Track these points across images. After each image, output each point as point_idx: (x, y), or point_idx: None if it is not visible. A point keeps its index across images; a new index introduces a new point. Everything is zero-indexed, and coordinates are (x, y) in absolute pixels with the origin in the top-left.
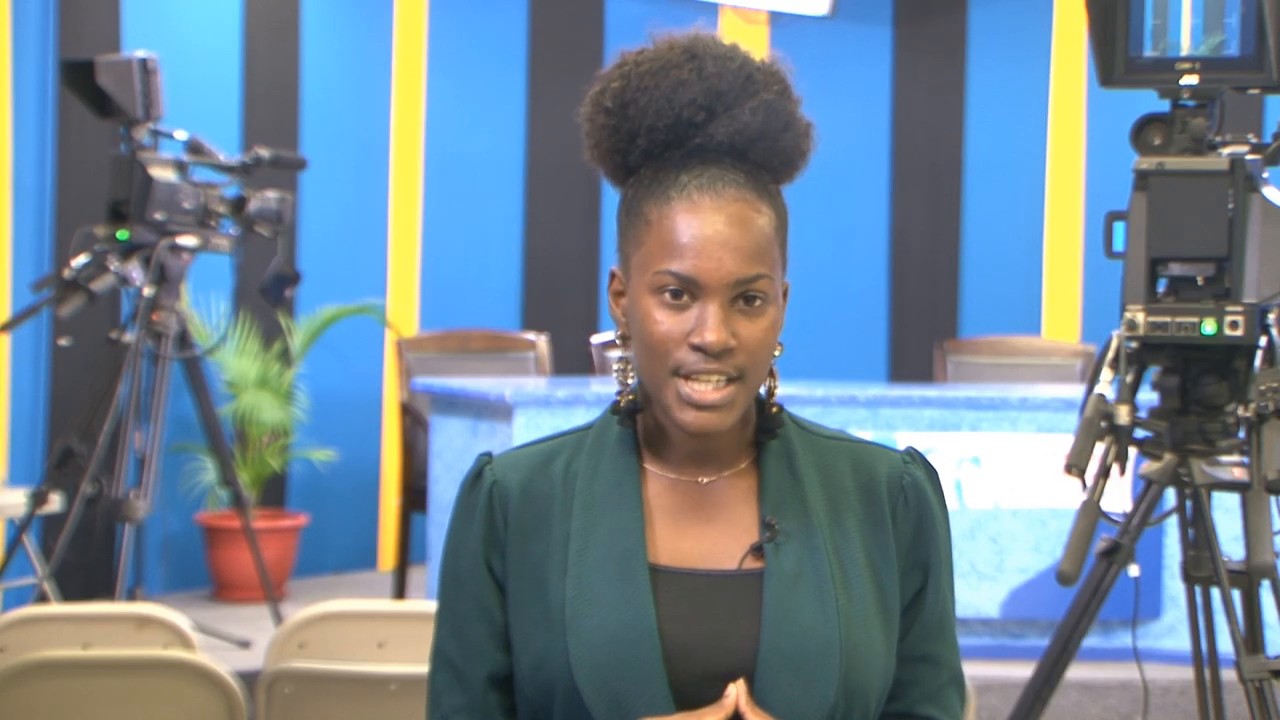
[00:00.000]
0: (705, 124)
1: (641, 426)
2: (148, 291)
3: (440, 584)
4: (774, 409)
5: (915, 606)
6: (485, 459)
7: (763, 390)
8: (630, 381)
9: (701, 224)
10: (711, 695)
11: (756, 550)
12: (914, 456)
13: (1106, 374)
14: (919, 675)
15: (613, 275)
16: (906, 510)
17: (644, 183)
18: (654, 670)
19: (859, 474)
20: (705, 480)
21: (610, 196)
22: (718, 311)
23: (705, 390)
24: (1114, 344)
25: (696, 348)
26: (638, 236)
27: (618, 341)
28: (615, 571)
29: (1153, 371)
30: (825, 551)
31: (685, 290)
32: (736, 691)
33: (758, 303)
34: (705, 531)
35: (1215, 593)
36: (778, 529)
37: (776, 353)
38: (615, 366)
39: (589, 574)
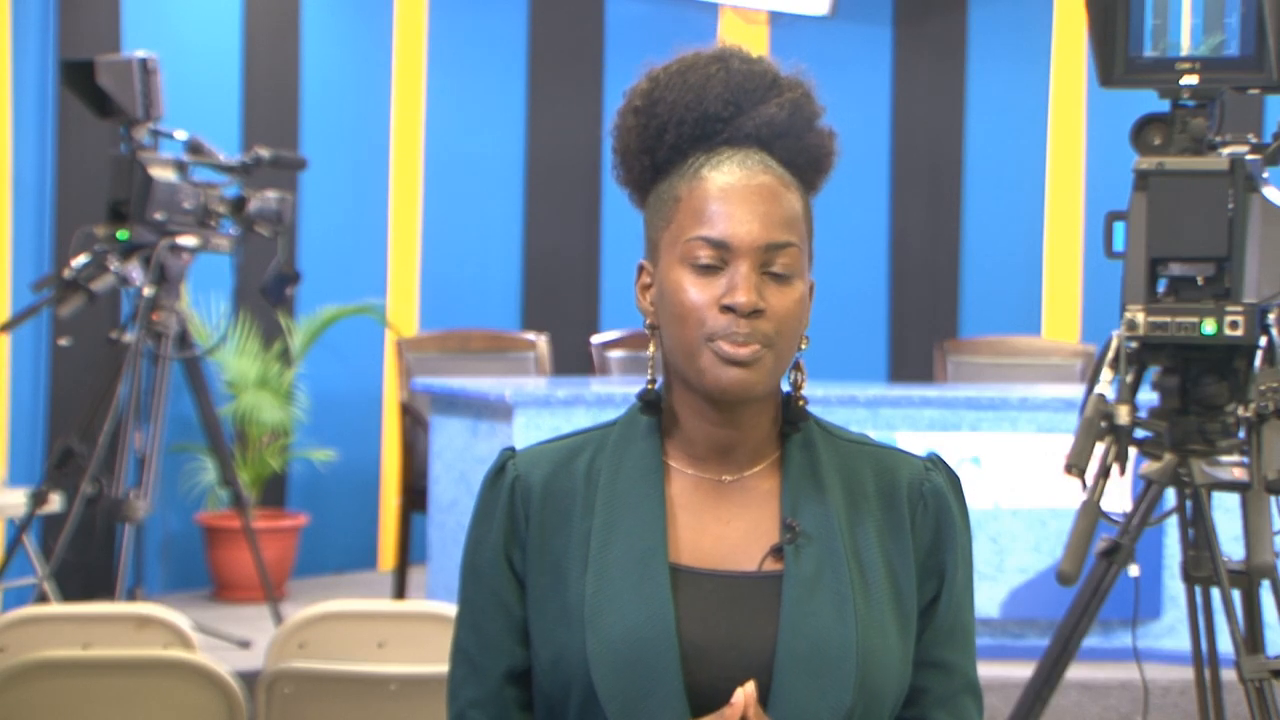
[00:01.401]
0: (732, 118)
1: (666, 423)
2: (148, 291)
3: (461, 578)
4: (800, 401)
5: (930, 612)
6: (508, 454)
7: (788, 386)
8: (656, 376)
9: (732, 191)
10: (727, 697)
11: (776, 552)
12: (936, 463)
13: (1106, 374)
14: (931, 681)
15: (640, 268)
16: (926, 516)
17: (672, 175)
18: (670, 670)
19: (880, 479)
20: (728, 479)
21: (610, 197)
22: (748, 274)
23: (737, 347)
24: (1114, 344)
25: (727, 308)
26: (668, 216)
27: (647, 331)
28: (635, 570)
29: (1153, 371)
30: (844, 555)
31: (716, 257)
32: (745, 696)
33: (786, 274)
34: (726, 531)
35: (1215, 593)
36: (798, 531)
37: (803, 346)
38: (649, 359)
39: (609, 571)
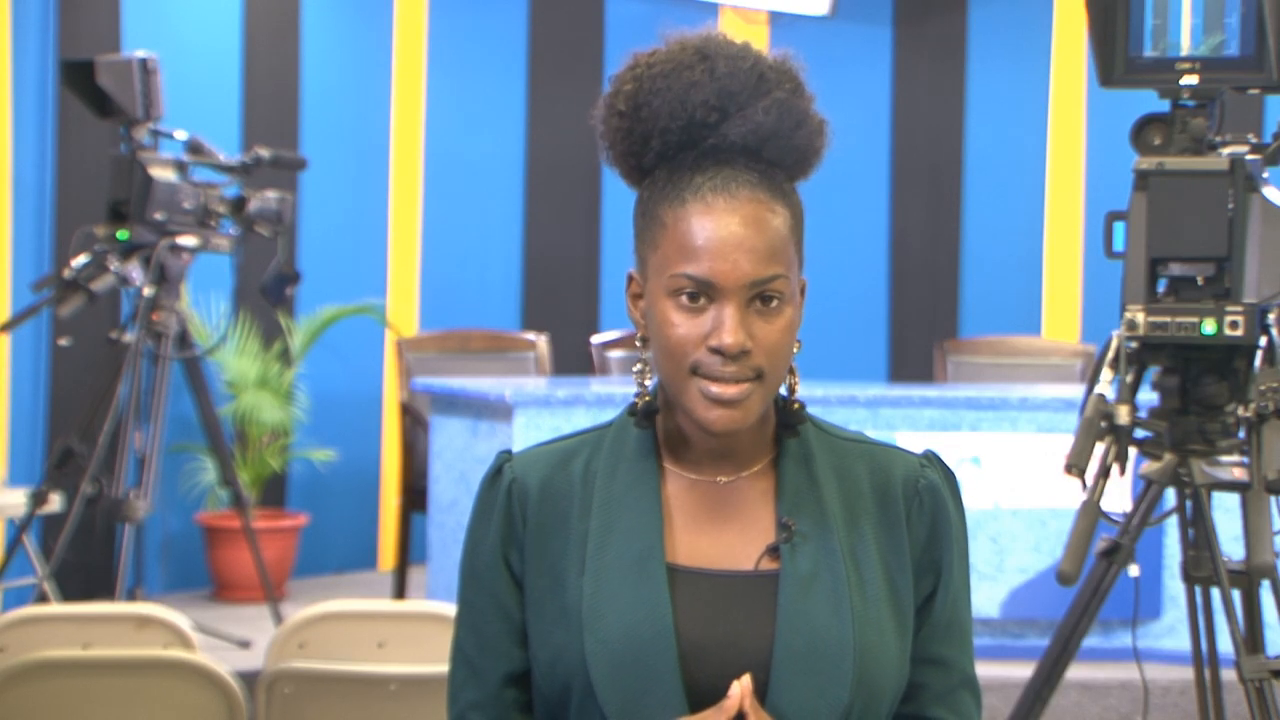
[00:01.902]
0: (719, 124)
1: (660, 426)
2: (148, 291)
3: (460, 580)
4: (795, 405)
5: (927, 609)
6: (505, 456)
7: (784, 390)
8: (648, 383)
9: (716, 226)
10: (725, 695)
11: (773, 551)
12: (931, 460)
13: (1106, 374)
14: (929, 677)
15: (630, 278)
16: (921, 513)
17: (658, 185)
18: (669, 669)
19: (875, 477)
20: (723, 480)
21: (610, 197)
22: (734, 313)
23: (725, 387)
24: (1114, 344)
25: (714, 350)
26: (654, 239)
27: (637, 343)
28: (633, 570)
29: (1153, 371)
30: (841, 553)
31: (702, 293)
32: (741, 689)
33: (774, 303)
34: (723, 532)
35: (1215, 593)
36: (794, 530)
37: (795, 349)
38: (635, 368)
39: (606, 572)
